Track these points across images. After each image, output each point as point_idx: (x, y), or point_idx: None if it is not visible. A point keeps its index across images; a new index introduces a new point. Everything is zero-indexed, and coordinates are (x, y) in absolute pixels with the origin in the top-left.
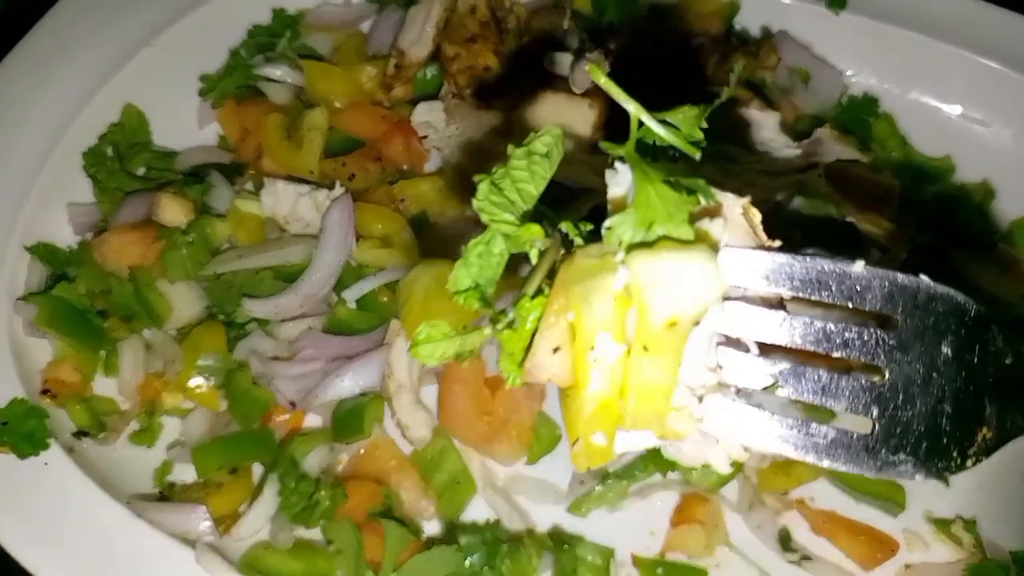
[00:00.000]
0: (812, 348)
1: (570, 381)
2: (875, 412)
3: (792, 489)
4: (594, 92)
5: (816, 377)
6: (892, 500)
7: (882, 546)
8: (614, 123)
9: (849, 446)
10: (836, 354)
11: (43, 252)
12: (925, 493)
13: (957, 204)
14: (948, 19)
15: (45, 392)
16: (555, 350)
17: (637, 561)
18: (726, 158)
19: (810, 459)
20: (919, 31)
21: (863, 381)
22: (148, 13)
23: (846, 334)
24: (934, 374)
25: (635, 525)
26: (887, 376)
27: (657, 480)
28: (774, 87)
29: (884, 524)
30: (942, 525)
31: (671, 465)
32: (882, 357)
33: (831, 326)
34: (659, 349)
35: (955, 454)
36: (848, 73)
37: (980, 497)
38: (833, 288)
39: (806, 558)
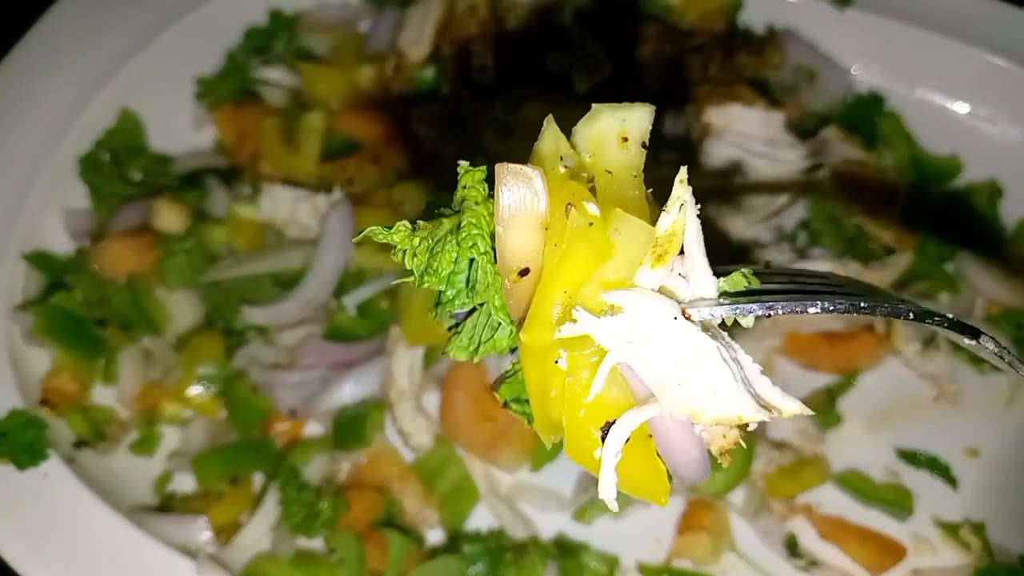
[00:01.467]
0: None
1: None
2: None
3: (799, 494)
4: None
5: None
6: (899, 505)
7: (890, 551)
8: None
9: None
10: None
11: (40, 260)
12: (933, 497)
13: (964, 203)
14: (955, 16)
15: (44, 402)
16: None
17: (643, 569)
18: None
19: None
20: (926, 28)
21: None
22: (143, 16)
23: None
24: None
25: (640, 532)
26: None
27: None
28: (779, 85)
29: (892, 529)
30: (950, 529)
31: None
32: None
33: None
34: (620, 169)
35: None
36: (854, 71)
37: (988, 501)
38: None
39: (813, 564)
